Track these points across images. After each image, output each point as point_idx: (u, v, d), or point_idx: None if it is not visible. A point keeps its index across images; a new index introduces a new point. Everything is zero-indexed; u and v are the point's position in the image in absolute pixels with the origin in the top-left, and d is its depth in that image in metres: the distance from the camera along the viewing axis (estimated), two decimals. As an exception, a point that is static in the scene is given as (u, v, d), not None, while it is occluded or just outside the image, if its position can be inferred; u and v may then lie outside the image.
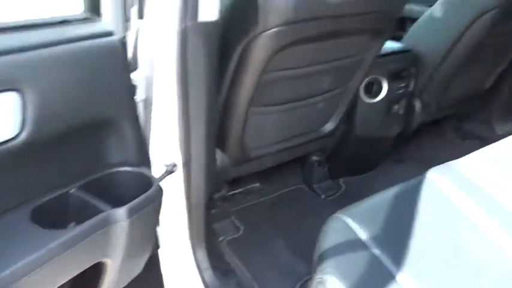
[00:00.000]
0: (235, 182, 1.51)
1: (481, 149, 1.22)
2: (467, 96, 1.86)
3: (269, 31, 0.94)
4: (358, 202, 0.98)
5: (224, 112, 1.11)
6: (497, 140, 1.23)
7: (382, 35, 1.23)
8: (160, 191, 0.80)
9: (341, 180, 1.70)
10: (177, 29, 0.79)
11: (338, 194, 1.65)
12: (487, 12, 1.41)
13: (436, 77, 1.61)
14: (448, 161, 1.07)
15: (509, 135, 1.49)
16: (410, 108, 1.67)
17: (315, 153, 1.60)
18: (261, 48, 0.96)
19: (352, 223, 0.88)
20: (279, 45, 0.98)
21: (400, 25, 2.14)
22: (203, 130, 0.91)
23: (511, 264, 0.82)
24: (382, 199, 0.98)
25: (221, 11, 1.00)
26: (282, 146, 1.34)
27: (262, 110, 1.18)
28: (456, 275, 0.80)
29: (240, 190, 1.56)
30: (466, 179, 1.04)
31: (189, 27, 0.79)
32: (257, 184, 1.60)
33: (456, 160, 1.13)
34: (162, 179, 0.82)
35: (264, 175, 1.56)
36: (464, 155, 1.15)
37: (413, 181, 1.05)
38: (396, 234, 0.88)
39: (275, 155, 1.37)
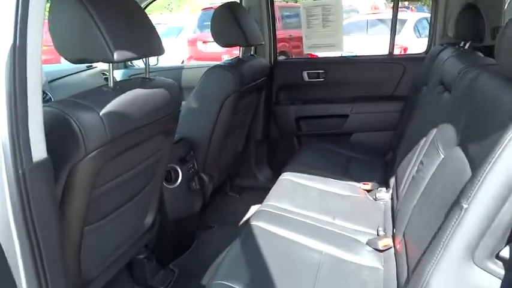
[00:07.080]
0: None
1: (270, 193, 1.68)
2: (232, 160, 2.35)
3: (92, 153, 1.01)
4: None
5: None
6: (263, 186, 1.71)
7: (171, 134, 1.47)
8: None
9: (171, 265, 1.81)
10: (13, 176, 0.78)
11: (174, 279, 1.74)
12: (229, 96, 1.90)
13: (210, 154, 2.00)
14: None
15: (269, 180, 2.06)
16: (201, 182, 1.99)
17: (140, 252, 1.65)
18: (87, 169, 1.02)
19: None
20: (103, 162, 1.07)
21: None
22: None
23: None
24: (235, 256, 1.22)
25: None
26: (116, 255, 1.36)
27: (95, 226, 1.19)
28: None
29: None
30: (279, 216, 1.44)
31: (27, 171, 0.79)
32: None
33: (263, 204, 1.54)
34: None
35: None
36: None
37: (244, 233, 1.35)
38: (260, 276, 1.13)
39: (109, 268, 1.35)
